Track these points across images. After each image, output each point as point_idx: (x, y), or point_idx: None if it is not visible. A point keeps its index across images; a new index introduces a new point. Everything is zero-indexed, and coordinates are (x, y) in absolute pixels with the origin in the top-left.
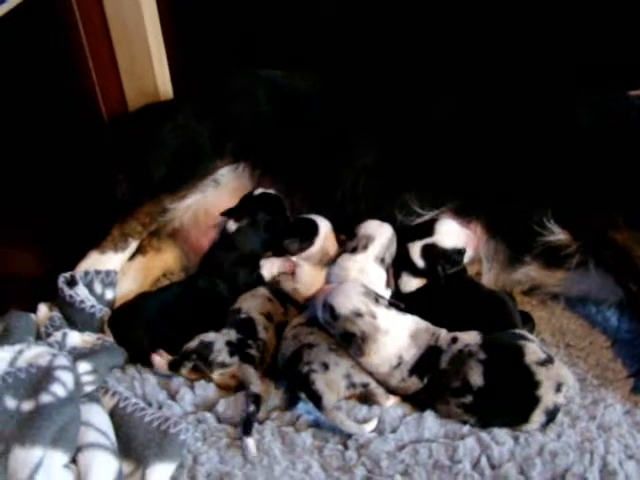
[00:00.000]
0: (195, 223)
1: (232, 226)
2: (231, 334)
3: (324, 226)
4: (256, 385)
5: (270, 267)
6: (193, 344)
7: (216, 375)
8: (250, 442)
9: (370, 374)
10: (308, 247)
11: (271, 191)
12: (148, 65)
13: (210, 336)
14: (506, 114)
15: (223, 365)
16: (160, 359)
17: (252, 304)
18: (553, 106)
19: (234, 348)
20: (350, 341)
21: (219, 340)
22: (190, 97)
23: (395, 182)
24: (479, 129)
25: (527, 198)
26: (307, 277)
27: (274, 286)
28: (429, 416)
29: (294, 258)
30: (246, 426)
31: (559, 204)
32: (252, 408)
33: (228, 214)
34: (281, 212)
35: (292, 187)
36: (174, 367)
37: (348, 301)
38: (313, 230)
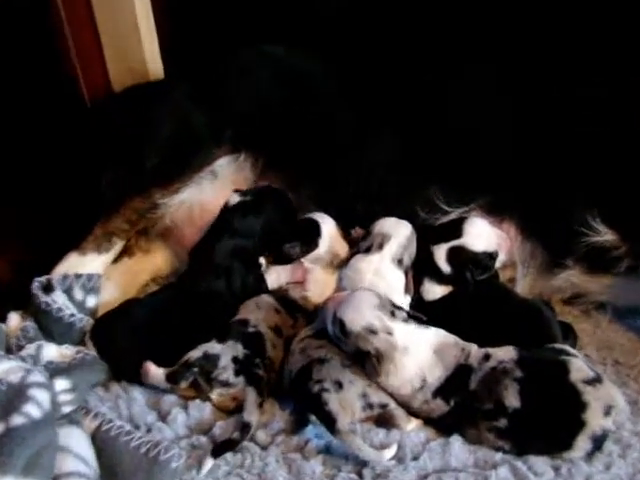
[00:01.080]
0: (189, 220)
1: (234, 198)
2: (238, 349)
3: (328, 225)
4: (251, 412)
5: (277, 277)
6: (196, 354)
7: (215, 395)
8: (208, 464)
9: (390, 394)
10: (312, 250)
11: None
12: (135, 39)
13: (216, 348)
14: (548, 92)
15: (226, 384)
16: (156, 369)
17: (259, 316)
18: (602, 85)
19: (241, 366)
20: (364, 360)
21: (225, 354)
22: (184, 77)
23: (417, 174)
24: (514, 112)
25: (569, 193)
26: (317, 283)
27: (280, 294)
28: (456, 442)
29: (305, 263)
30: (218, 448)
31: (607, 199)
32: (236, 435)
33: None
34: (287, 212)
35: (298, 180)
36: (173, 379)
37: (360, 316)
38: (315, 231)
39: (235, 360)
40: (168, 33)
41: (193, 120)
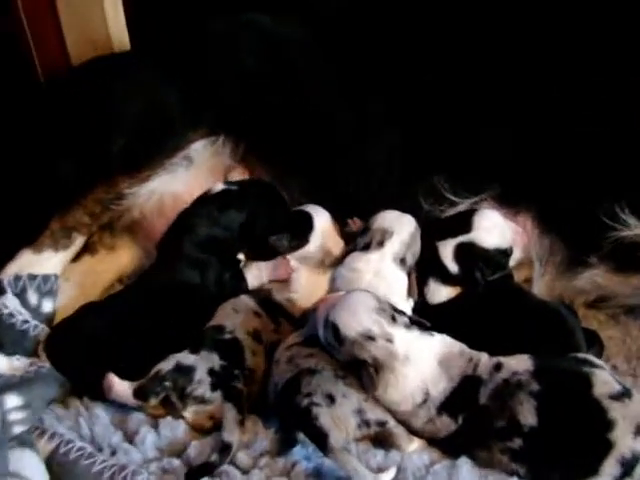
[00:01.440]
0: (160, 213)
1: (219, 186)
2: (214, 359)
3: (321, 218)
4: (231, 432)
5: (258, 274)
6: (168, 366)
7: (189, 413)
8: None
9: (389, 411)
10: (301, 245)
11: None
12: (97, 5)
13: (189, 358)
14: (570, 71)
15: (202, 401)
16: (121, 382)
17: (237, 320)
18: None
19: (218, 379)
20: (360, 370)
21: (200, 366)
22: (153, 49)
23: (421, 160)
24: (531, 87)
25: (594, 180)
26: (305, 284)
27: (262, 295)
28: (464, 465)
29: (290, 260)
30: (193, 473)
31: (638, 188)
32: (214, 457)
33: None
34: (279, 211)
35: (286, 167)
36: (142, 395)
37: (356, 320)
38: (307, 223)
39: (211, 372)
40: None
41: (164, 98)
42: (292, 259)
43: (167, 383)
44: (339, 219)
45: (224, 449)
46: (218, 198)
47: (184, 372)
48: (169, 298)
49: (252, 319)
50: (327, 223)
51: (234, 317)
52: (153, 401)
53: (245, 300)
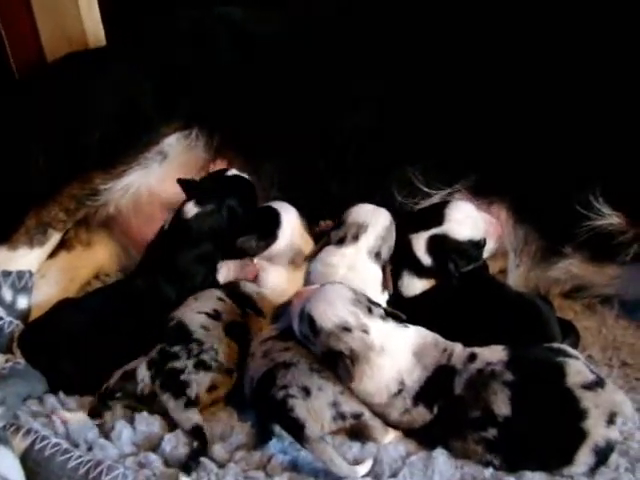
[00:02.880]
0: (136, 208)
1: (191, 210)
2: (154, 351)
3: (289, 215)
4: (186, 417)
5: (226, 272)
6: (113, 379)
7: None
8: None
9: (365, 403)
10: (270, 244)
11: (245, 175)
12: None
13: (134, 363)
14: (541, 62)
15: (153, 397)
16: (73, 414)
17: (189, 307)
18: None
19: (156, 367)
20: (336, 362)
21: (142, 364)
22: (127, 43)
23: (394, 151)
24: (505, 80)
25: (567, 169)
26: (276, 281)
27: (230, 286)
28: (440, 456)
29: (255, 260)
30: (186, 464)
31: (612, 176)
32: (196, 444)
33: (188, 188)
34: (251, 203)
35: (260, 159)
36: (97, 414)
37: (332, 311)
38: (273, 221)
39: (150, 364)
40: None
41: (138, 92)
42: (261, 259)
43: (117, 394)
44: (314, 213)
45: (196, 432)
46: (197, 219)
47: (128, 377)
48: (143, 306)
49: (212, 303)
50: (295, 219)
51: (189, 304)
52: (109, 414)
53: (211, 290)
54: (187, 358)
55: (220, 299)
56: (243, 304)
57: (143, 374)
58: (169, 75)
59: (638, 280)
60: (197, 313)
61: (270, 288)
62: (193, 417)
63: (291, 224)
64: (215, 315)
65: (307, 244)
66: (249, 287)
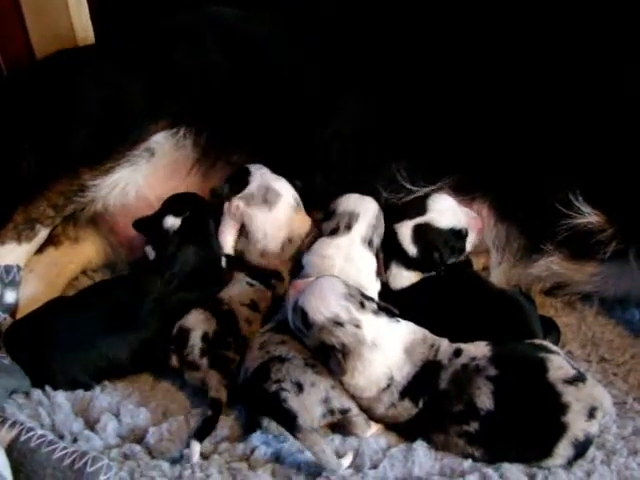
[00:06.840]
0: (123, 205)
1: (174, 222)
2: (211, 324)
3: (257, 166)
4: (217, 390)
5: (227, 234)
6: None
7: (187, 375)
8: (196, 448)
9: (353, 397)
10: (242, 188)
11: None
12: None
13: (189, 320)
14: (523, 60)
15: (192, 366)
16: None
17: (233, 292)
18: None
19: (208, 346)
20: (328, 356)
21: (197, 329)
22: (117, 42)
23: (379, 148)
24: (487, 79)
25: (548, 168)
26: (262, 225)
27: (236, 260)
28: (420, 448)
29: (235, 202)
30: (200, 431)
31: (591, 175)
32: (210, 413)
33: (140, 227)
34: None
35: (248, 157)
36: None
37: (324, 305)
38: (243, 172)
39: (204, 338)
40: None
41: (126, 90)
42: (238, 201)
43: (172, 346)
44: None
45: (214, 404)
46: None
47: (182, 334)
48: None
49: (247, 290)
50: (263, 167)
51: (230, 289)
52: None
53: (240, 275)
54: (234, 352)
55: (250, 284)
56: (266, 280)
57: (195, 342)
58: (157, 73)
59: (617, 277)
60: (242, 305)
61: (260, 237)
62: (223, 395)
63: (260, 170)
64: (254, 307)
65: (303, 224)
66: (250, 255)
